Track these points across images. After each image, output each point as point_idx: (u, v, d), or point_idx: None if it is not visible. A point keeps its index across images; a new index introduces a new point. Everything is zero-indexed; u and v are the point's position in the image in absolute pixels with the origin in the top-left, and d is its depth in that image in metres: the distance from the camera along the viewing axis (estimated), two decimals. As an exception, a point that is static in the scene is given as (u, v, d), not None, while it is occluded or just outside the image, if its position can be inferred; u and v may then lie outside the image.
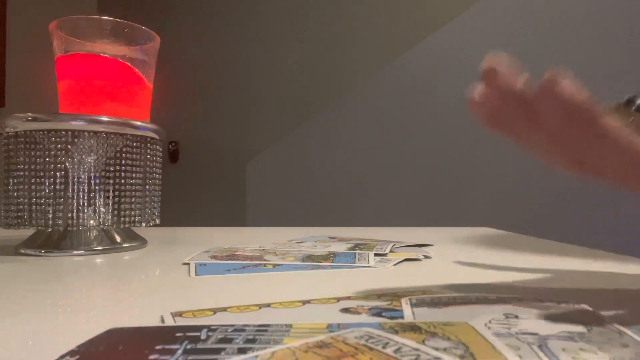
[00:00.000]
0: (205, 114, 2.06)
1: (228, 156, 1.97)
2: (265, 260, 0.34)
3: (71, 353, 0.15)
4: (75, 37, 0.42)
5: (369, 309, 0.20)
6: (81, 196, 0.38)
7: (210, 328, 0.16)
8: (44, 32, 0.44)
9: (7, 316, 0.21)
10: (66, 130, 0.37)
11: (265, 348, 0.14)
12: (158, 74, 0.47)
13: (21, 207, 0.38)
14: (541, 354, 0.14)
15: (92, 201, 0.38)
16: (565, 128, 0.20)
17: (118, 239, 0.41)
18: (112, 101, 0.42)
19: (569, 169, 0.22)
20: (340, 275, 0.30)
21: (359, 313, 0.19)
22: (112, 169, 0.39)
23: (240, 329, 0.16)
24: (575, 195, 1.26)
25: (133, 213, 0.41)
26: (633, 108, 0.24)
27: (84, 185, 0.38)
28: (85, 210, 0.38)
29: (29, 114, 0.38)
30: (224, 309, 0.20)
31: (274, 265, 0.32)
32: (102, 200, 0.39)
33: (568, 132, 0.20)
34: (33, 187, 0.37)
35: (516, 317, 0.18)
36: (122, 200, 0.40)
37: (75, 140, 0.38)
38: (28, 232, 0.40)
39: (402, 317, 0.19)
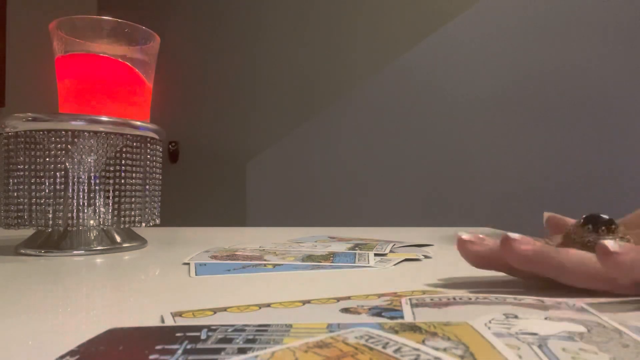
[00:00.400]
0: (205, 114, 2.06)
1: (228, 156, 1.97)
2: (265, 260, 0.34)
3: (71, 353, 0.15)
4: (75, 37, 0.42)
5: (369, 309, 0.20)
6: (81, 196, 0.38)
7: (210, 328, 0.16)
8: (44, 32, 0.44)
9: (7, 316, 0.21)
10: (66, 130, 0.37)
11: (265, 348, 0.14)
12: (158, 74, 0.47)
13: (21, 207, 0.38)
14: (541, 354, 0.14)
15: (92, 201, 0.38)
16: (530, 271, 0.24)
17: (118, 239, 0.41)
18: (112, 101, 0.42)
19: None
20: (340, 275, 0.30)
21: (359, 313, 0.19)
22: (112, 169, 0.39)
23: (240, 329, 0.16)
24: (575, 195, 1.26)
25: (133, 213, 0.41)
26: (590, 228, 0.26)
27: (84, 185, 0.38)
28: (85, 210, 0.38)
29: (29, 114, 0.38)
30: (224, 309, 0.20)
31: (274, 265, 0.32)
32: (102, 200, 0.39)
33: (534, 272, 0.24)
34: (33, 187, 0.37)
35: (516, 317, 0.18)
36: (122, 200, 0.40)
37: (75, 140, 0.38)
38: (28, 232, 0.40)
39: (402, 317, 0.19)
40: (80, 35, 0.42)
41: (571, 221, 0.29)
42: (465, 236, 0.26)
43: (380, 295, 0.22)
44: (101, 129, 0.38)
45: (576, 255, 0.23)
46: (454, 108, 1.39)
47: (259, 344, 0.15)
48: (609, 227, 0.25)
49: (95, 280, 0.30)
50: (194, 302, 0.23)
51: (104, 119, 0.39)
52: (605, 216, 0.26)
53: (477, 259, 0.26)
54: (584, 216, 0.27)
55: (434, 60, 1.44)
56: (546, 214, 0.32)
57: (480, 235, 0.26)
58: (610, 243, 0.20)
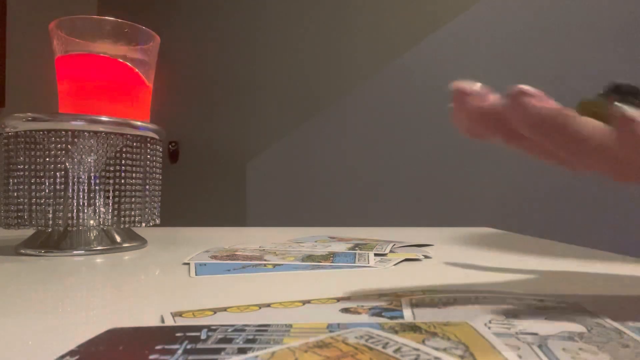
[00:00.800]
0: (205, 114, 2.06)
1: (228, 156, 1.97)
2: (265, 260, 0.34)
3: (71, 353, 0.15)
4: (75, 37, 0.42)
5: (369, 309, 0.20)
6: (81, 196, 0.38)
7: (210, 328, 0.16)
8: (44, 32, 0.44)
9: (7, 316, 0.21)
10: (66, 130, 0.37)
11: (265, 348, 0.14)
12: (158, 74, 0.47)
13: (21, 207, 0.38)
14: (541, 354, 0.14)
15: (92, 201, 0.38)
16: (540, 137, 0.20)
17: (118, 239, 0.41)
18: (112, 101, 0.42)
19: (575, 170, 0.22)
20: (340, 275, 0.30)
21: (359, 313, 0.19)
22: (112, 169, 0.39)
23: (240, 329, 0.16)
24: (575, 195, 1.26)
25: (133, 213, 0.41)
26: (612, 97, 0.23)
27: (84, 185, 0.38)
28: (85, 210, 0.38)
29: (29, 114, 0.38)
30: (224, 309, 0.20)
31: (274, 265, 0.32)
32: (102, 200, 0.39)
33: (545, 140, 0.20)
34: (33, 187, 0.37)
35: (516, 317, 0.18)
36: (122, 200, 0.40)
37: (75, 140, 0.38)
38: (28, 232, 0.40)
39: (402, 317, 0.19)
40: (80, 35, 0.42)
41: None
42: (463, 86, 0.21)
43: (380, 295, 0.22)
44: (101, 129, 0.38)
45: (593, 122, 0.19)
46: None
47: (259, 344, 0.15)
48: (634, 99, 0.22)
49: (95, 280, 0.30)
50: (194, 302, 0.23)
51: (104, 119, 0.39)
52: (629, 85, 0.23)
53: (477, 119, 0.21)
54: (605, 85, 0.23)
55: (434, 60, 1.44)
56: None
57: (481, 88, 0.21)
58: (633, 110, 0.18)
